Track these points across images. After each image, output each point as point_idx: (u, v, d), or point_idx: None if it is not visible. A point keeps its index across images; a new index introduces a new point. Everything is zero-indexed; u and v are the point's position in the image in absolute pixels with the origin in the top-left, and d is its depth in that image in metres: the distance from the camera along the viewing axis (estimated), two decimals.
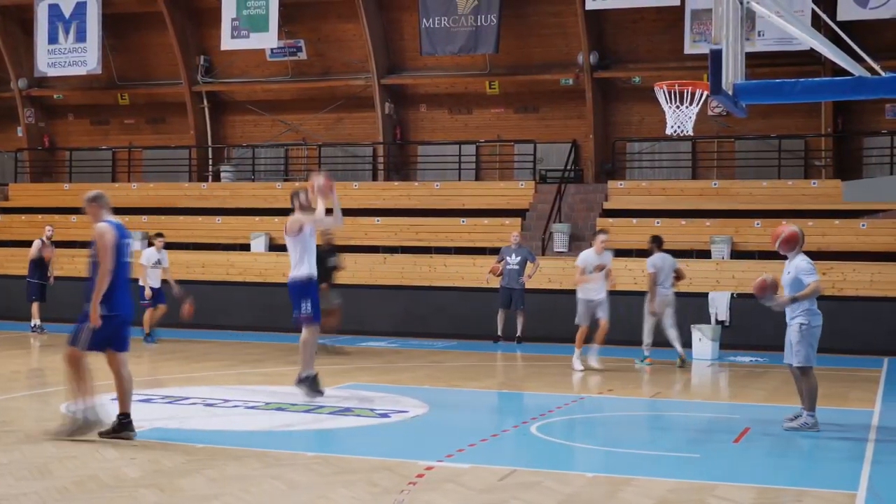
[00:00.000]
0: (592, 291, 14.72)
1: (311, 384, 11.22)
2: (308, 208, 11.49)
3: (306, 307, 11.23)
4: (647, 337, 15.58)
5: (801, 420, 9.80)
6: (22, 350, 17.09)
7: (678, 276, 15.76)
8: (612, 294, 15.00)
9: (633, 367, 15.37)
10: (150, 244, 18.12)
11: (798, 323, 9.77)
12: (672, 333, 15.42)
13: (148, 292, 17.29)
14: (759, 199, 21.36)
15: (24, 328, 19.57)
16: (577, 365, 14.59)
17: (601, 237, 14.92)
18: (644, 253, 20.32)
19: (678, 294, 15.72)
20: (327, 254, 16.43)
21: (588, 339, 14.72)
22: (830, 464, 8.54)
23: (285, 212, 22.88)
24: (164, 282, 17.52)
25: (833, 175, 22.30)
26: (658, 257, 15.55)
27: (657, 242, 15.75)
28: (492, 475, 7.49)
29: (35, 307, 19.22)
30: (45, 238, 19.57)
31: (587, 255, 14.87)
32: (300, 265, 11.30)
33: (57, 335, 18.79)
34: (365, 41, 24.88)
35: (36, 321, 19.11)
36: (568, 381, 13.60)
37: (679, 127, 12.27)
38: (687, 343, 16.82)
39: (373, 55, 24.86)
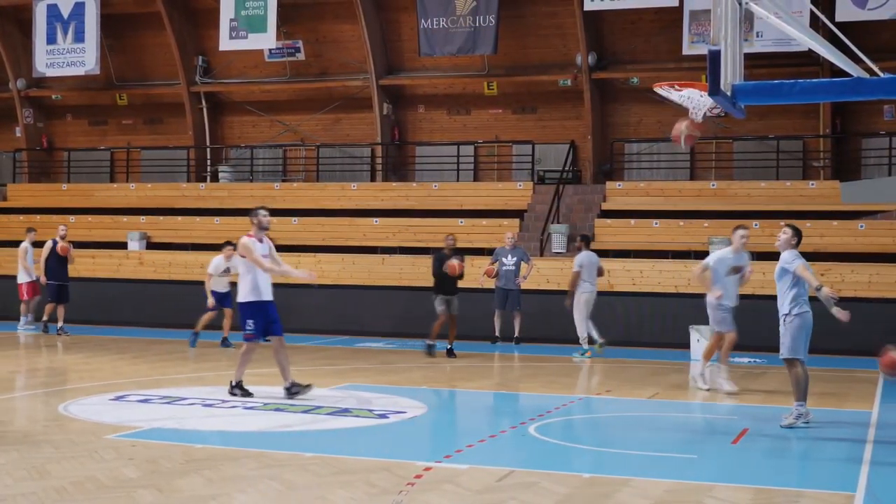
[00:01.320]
0: (730, 298, 12.69)
1: (240, 388, 11.40)
2: (264, 229, 11.40)
3: (249, 326, 11.39)
4: (582, 331, 16.65)
5: (793, 413, 9.84)
6: (22, 351, 17.06)
7: (600, 272, 16.86)
8: (609, 294, 14.93)
9: (573, 361, 16.19)
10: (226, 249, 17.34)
11: (783, 315, 9.93)
12: (590, 323, 16.70)
13: (210, 301, 17.04)
14: (758, 200, 21.37)
15: (18, 328, 19.64)
16: (727, 386, 12.66)
17: (740, 233, 12.61)
18: (642, 253, 20.44)
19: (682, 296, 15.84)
20: (442, 258, 16.17)
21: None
22: (828, 465, 8.53)
23: (283, 213, 23.03)
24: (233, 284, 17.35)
25: (831, 176, 22.32)
26: (584, 255, 16.64)
27: (585, 241, 16.88)
28: (490, 476, 7.49)
29: (50, 308, 19.19)
30: (58, 238, 19.38)
31: (723, 255, 12.67)
32: (252, 290, 11.32)
33: (51, 336, 18.80)
34: (363, 42, 24.87)
35: (60, 323, 18.98)
36: (566, 382, 13.59)
37: (701, 111, 11.54)
38: (684, 343, 16.87)
39: (371, 56, 24.85)
